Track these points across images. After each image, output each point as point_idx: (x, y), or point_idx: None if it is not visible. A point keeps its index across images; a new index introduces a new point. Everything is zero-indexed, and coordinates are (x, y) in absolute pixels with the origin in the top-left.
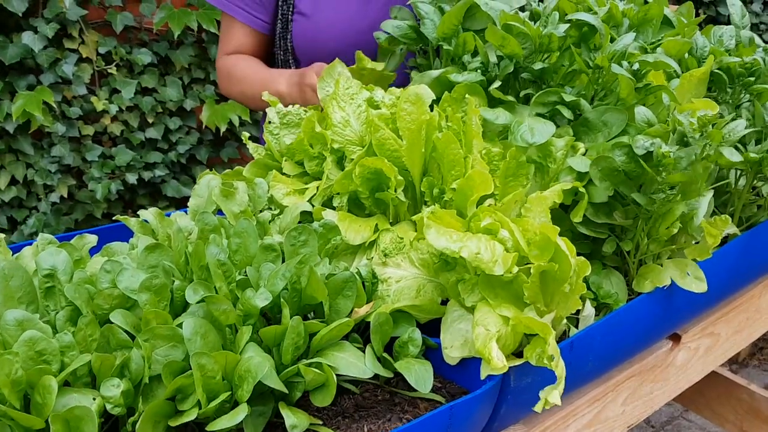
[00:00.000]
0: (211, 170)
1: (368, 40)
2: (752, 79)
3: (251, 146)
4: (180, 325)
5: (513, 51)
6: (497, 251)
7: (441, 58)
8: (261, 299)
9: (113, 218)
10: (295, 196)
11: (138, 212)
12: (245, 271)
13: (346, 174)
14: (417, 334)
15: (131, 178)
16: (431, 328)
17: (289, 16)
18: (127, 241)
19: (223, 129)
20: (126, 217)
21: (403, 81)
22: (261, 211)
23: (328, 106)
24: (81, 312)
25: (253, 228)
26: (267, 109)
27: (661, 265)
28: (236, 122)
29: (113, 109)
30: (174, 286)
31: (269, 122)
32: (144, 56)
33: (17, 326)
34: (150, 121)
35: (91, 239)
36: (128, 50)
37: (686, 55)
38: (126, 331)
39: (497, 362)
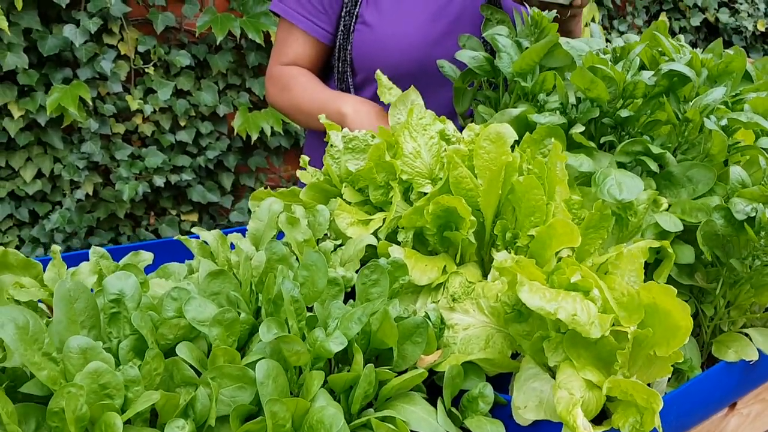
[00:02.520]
0: (264, 187)
1: (431, 55)
2: None
3: (309, 170)
4: (249, 365)
5: (599, 95)
6: (592, 312)
7: (511, 92)
8: (336, 344)
9: (174, 237)
10: (359, 227)
11: (193, 230)
12: (311, 309)
13: (416, 209)
14: (488, 390)
15: (158, 181)
16: (495, 382)
17: (352, 27)
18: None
19: (254, 137)
20: (186, 238)
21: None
22: (319, 240)
23: (399, 135)
24: (145, 342)
25: (323, 262)
26: (331, 133)
27: (746, 334)
28: (268, 131)
29: (148, 109)
30: (240, 319)
31: (332, 146)
32: (182, 58)
33: (81, 355)
34: (182, 124)
35: (147, 257)
36: (167, 51)
37: None
38: (191, 366)
39: (583, 431)
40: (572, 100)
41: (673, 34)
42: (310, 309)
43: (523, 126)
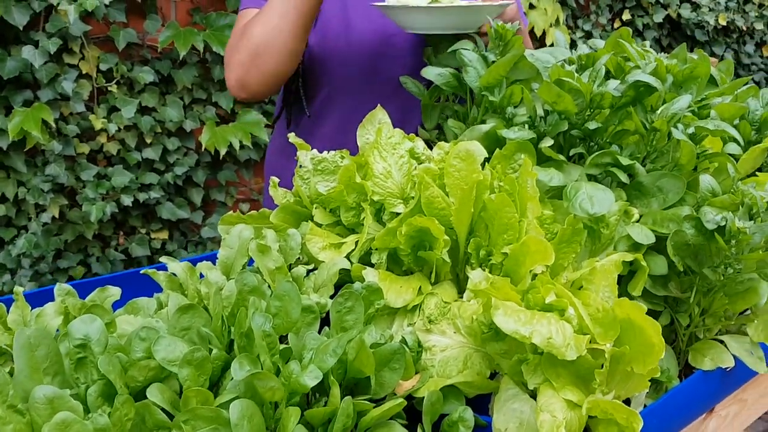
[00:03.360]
0: (234, 201)
1: (377, 67)
2: None
3: (281, 192)
4: (222, 405)
5: (566, 108)
6: (568, 333)
7: (479, 105)
8: (311, 378)
9: (140, 271)
10: (332, 251)
11: (161, 260)
12: (285, 338)
13: (389, 231)
14: (468, 414)
15: (126, 200)
16: (475, 403)
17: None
18: (143, 291)
19: (223, 152)
20: (153, 270)
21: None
22: (291, 265)
23: (369, 156)
24: (114, 387)
25: (295, 291)
26: (299, 153)
27: (721, 341)
28: (236, 145)
29: (112, 128)
30: (212, 356)
31: (300, 166)
32: (146, 74)
33: (48, 405)
34: (148, 141)
35: (114, 293)
36: (129, 68)
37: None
38: (163, 409)
39: None
40: (540, 111)
41: (636, 31)
42: (285, 338)
43: (493, 141)
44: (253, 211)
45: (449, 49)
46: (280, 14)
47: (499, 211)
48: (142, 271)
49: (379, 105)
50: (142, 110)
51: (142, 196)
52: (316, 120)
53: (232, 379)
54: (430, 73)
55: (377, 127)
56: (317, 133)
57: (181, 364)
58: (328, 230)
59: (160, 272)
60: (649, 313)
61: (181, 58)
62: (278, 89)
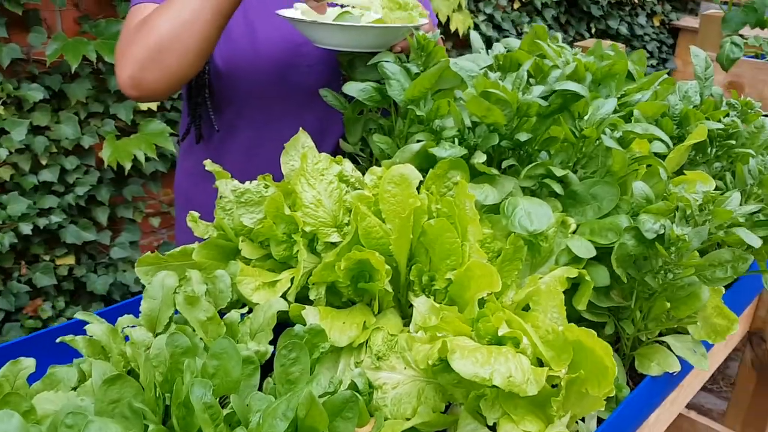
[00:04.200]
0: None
1: (286, 79)
2: (733, 142)
3: (201, 225)
4: None
5: (495, 120)
6: (526, 368)
7: (404, 118)
8: None
9: (57, 340)
10: (266, 291)
11: (77, 317)
12: (227, 402)
13: (326, 265)
14: None
15: (25, 228)
16: None
17: None
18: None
19: (127, 167)
20: (71, 337)
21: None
22: (222, 312)
23: (296, 184)
24: None
25: (234, 348)
26: (218, 183)
27: (664, 344)
28: (141, 158)
29: (3, 152)
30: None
31: (221, 197)
32: (35, 92)
33: None
34: (43, 162)
35: (28, 364)
36: (16, 86)
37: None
38: None
39: None
40: (467, 122)
41: (535, 10)
42: (224, 399)
43: (424, 157)
44: (173, 250)
45: (370, 62)
46: (193, 9)
47: (440, 236)
48: (58, 340)
49: (300, 128)
50: (34, 130)
51: (42, 222)
52: (226, 135)
53: None
54: (353, 89)
55: (302, 153)
56: (228, 148)
57: None
58: (258, 265)
59: (78, 338)
60: (595, 324)
61: (72, 71)
62: (175, 91)
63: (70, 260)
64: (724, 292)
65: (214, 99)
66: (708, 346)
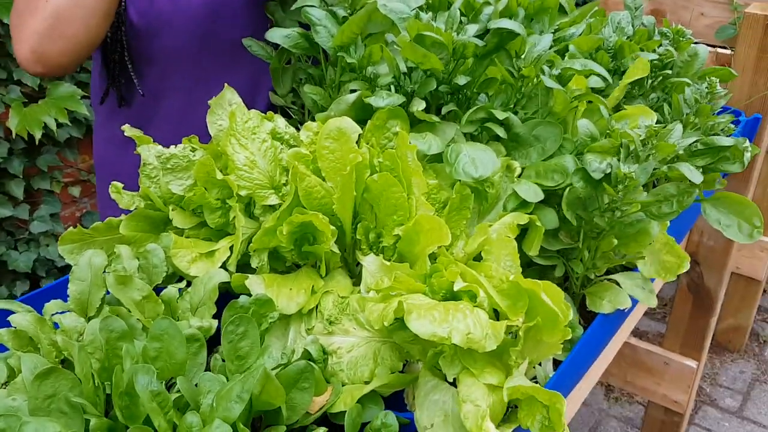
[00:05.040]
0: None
1: (216, 31)
2: (668, 72)
3: (126, 196)
4: None
5: (433, 66)
6: (484, 322)
7: (335, 66)
8: None
9: None
10: (204, 262)
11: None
12: (173, 383)
13: (267, 231)
14: (391, 419)
15: None
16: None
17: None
18: None
19: (38, 135)
20: None
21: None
22: (158, 287)
23: (226, 146)
24: None
25: (176, 328)
26: (140, 148)
27: (614, 281)
28: (52, 125)
29: None
30: (91, 426)
31: (145, 164)
32: None
33: None
34: None
35: None
36: None
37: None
38: None
39: None
40: (402, 67)
41: None
42: (169, 381)
43: (360, 108)
44: (97, 223)
45: (293, 6)
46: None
47: (384, 191)
48: None
49: (226, 84)
50: None
51: None
52: (150, 100)
53: None
54: (276, 35)
55: (229, 111)
56: (158, 113)
57: None
58: (192, 235)
59: (2, 331)
60: (544, 267)
61: None
62: (83, 60)
63: None
64: (668, 225)
65: (133, 60)
66: (654, 280)
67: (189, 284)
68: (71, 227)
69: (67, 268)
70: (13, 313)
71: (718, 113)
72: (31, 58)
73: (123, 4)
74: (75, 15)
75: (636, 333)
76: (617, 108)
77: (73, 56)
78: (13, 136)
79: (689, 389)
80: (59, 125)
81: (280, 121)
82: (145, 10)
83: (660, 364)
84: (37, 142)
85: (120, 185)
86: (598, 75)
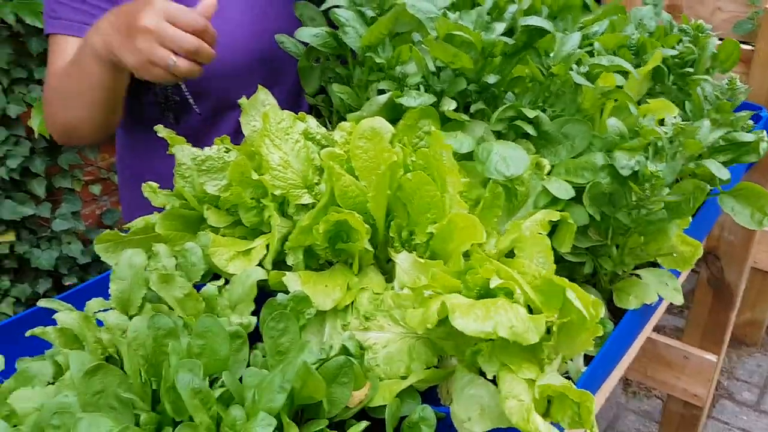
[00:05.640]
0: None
1: (263, 48)
2: (691, 69)
3: (161, 195)
4: None
5: (463, 65)
6: (524, 316)
7: (362, 65)
8: (264, 427)
9: (26, 334)
10: (241, 260)
11: (40, 304)
12: (218, 378)
13: (303, 229)
14: (428, 413)
15: None
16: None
17: None
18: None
19: None
20: (41, 329)
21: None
22: (197, 285)
23: (260, 146)
24: None
25: (219, 326)
26: (175, 149)
27: (639, 277)
28: None
29: None
30: (141, 421)
31: (180, 164)
32: None
33: None
34: None
35: None
36: None
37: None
38: None
39: None
40: (431, 67)
41: None
42: (212, 378)
43: (391, 108)
44: (134, 222)
45: (321, 8)
46: (79, 92)
47: (419, 190)
48: (27, 334)
49: (259, 86)
50: None
51: None
52: (208, 118)
53: None
54: (305, 34)
55: (263, 112)
56: (215, 128)
57: None
58: (227, 233)
59: (49, 329)
60: (574, 264)
61: None
62: (108, 131)
63: (10, 237)
64: (690, 221)
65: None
66: (676, 275)
67: (226, 282)
68: (92, 225)
69: (89, 266)
70: (52, 311)
71: (738, 109)
72: (58, 140)
73: None
74: (84, 127)
75: (654, 327)
76: (639, 102)
77: (99, 138)
78: (36, 136)
79: (709, 383)
80: None
81: (312, 122)
82: None
83: (680, 358)
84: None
85: (155, 185)
86: (621, 72)
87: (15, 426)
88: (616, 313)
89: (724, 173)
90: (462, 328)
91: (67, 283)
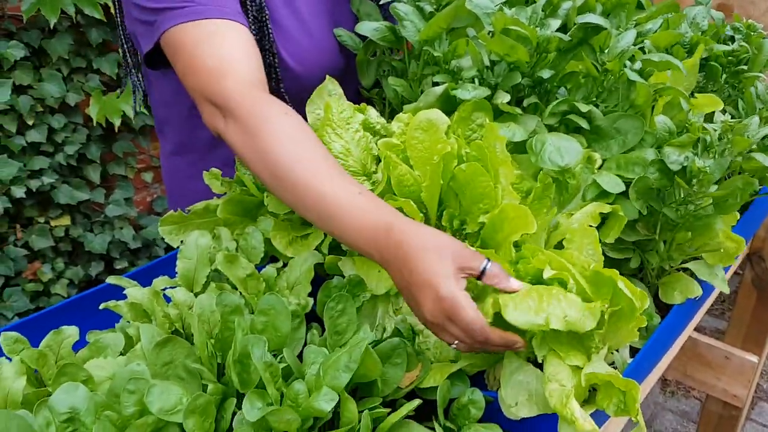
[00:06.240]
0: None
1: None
2: (745, 67)
3: (221, 183)
4: None
5: (518, 58)
6: (579, 305)
7: (418, 59)
8: (326, 402)
9: (100, 306)
10: (299, 245)
11: (109, 281)
12: (276, 354)
13: None
14: (477, 395)
15: (18, 192)
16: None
17: (267, 28)
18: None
19: (117, 123)
20: (114, 303)
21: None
22: (258, 266)
23: (322, 135)
24: None
25: (282, 304)
26: None
27: (687, 271)
28: (130, 113)
29: None
30: (209, 390)
31: None
32: (14, 49)
33: None
34: (30, 123)
35: (71, 333)
36: None
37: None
38: None
39: (584, 424)
40: (486, 61)
41: None
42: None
43: (445, 100)
44: (195, 205)
45: (381, 2)
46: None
47: (472, 180)
48: (101, 306)
49: (327, 76)
50: (17, 90)
51: (34, 184)
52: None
53: (234, 413)
54: (366, 28)
55: (326, 102)
56: None
57: (186, 414)
58: (286, 219)
59: (121, 303)
60: (621, 259)
61: (51, 27)
62: None
63: (66, 221)
64: (738, 216)
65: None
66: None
67: (284, 265)
68: (143, 211)
69: (139, 251)
70: (119, 288)
71: None
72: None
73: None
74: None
75: (697, 329)
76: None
77: None
78: (93, 123)
79: (749, 384)
80: (135, 113)
81: (372, 112)
82: (299, 56)
83: (720, 358)
84: (116, 130)
85: (217, 171)
86: (677, 69)
87: (92, 391)
88: (661, 308)
89: None
90: (514, 322)
91: (118, 267)
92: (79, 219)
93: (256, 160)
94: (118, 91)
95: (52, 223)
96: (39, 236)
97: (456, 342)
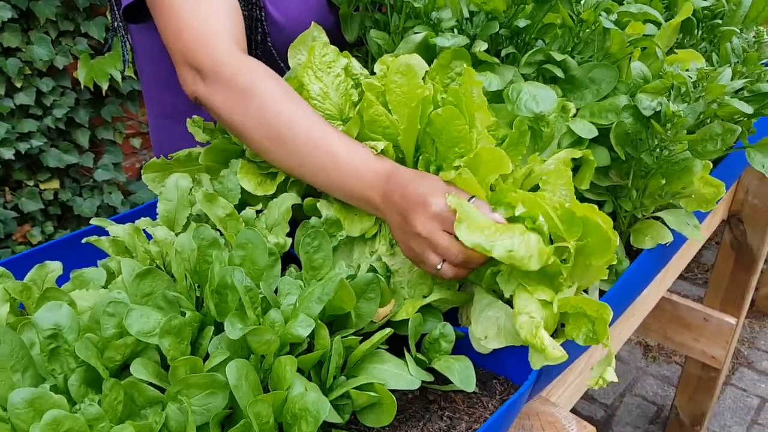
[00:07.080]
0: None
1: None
2: (719, 22)
3: (205, 128)
4: (213, 369)
5: (495, 7)
6: (531, 243)
7: (400, 12)
8: (303, 328)
9: (83, 240)
10: (267, 185)
11: (93, 222)
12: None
13: None
14: (448, 329)
15: (6, 153)
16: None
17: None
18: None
19: (105, 86)
20: (96, 237)
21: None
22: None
23: (303, 77)
24: (94, 370)
25: (259, 238)
26: None
27: (659, 219)
28: (118, 77)
29: None
30: (187, 318)
31: None
32: (2, 11)
33: (29, 407)
34: (18, 85)
35: (55, 267)
36: None
37: None
38: (150, 383)
39: (553, 352)
40: (465, 12)
41: None
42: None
43: (425, 49)
44: (178, 152)
45: None
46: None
47: (448, 125)
48: (83, 240)
49: (313, 23)
50: (5, 52)
51: (23, 146)
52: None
53: (211, 339)
54: None
55: (310, 46)
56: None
57: (161, 334)
58: (264, 165)
59: (103, 238)
60: (595, 203)
61: None
62: None
63: (55, 184)
64: (712, 166)
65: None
66: (700, 218)
67: (262, 210)
68: (132, 177)
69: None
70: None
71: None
72: (192, 97)
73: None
74: (252, 145)
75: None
76: (668, 53)
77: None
78: (81, 87)
79: (727, 345)
80: (123, 78)
81: (356, 63)
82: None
83: (699, 320)
84: (104, 93)
85: (199, 118)
86: (654, 19)
87: None
88: (632, 257)
89: (746, 107)
90: (461, 238)
91: None
92: (68, 183)
93: (247, 121)
94: (105, 54)
95: (42, 187)
96: (28, 199)
97: (439, 266)
